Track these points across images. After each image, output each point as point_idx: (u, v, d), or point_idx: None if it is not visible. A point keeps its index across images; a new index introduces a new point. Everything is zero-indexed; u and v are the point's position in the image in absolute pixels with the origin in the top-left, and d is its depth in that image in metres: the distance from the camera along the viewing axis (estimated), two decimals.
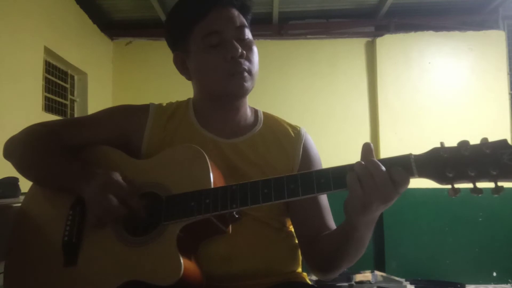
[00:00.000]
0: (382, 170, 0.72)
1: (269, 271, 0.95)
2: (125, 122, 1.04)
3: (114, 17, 4.39)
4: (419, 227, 4.14)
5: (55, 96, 3.56)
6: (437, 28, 4.40)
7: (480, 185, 0.70)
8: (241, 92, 0.98)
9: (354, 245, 0.85)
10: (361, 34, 4.52)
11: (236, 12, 0.99)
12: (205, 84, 1.01)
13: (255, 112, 1.10)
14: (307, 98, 4.40)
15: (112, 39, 4.50)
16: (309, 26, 4.53)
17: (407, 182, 0.73)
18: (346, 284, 3.50)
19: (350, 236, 0.83)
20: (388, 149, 4.15)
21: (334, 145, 4.12)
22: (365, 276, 3.62)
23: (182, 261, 0.78)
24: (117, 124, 1.04)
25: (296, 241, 1.02)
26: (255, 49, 1.00)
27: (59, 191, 0.96)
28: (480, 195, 0.69)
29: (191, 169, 0.87)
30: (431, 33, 4.39)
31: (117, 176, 0.87)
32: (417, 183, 0.78)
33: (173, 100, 1.11)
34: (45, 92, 3.34)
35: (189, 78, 1.05)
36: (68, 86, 3.79)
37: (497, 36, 4.35)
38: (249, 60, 0.97)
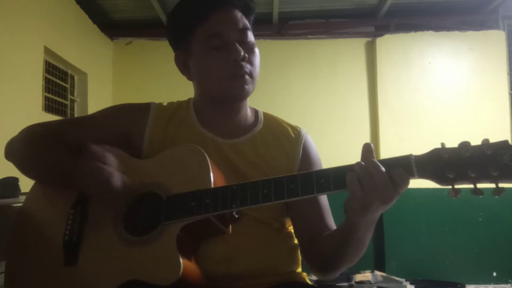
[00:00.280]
0: (382, 170, 0.72)
1: (269, 271, 0.95)
2: (125, 121, 1.03)
3: (114, 17, 4.39)
4: (419, 227, 4.14)
5: (55, 96, 3.56)
6: (437, 28, 4.40)
7: (481, 186, 0.70)
8: (242, 95, 0.98)
9: (354, 245, 0.85)
10: (361, 34, 4.52)
11: (239, 14, 0.98)
12: (206, 85, 1.01)
13: (255, 112, 1.10)
14: (307, 98, 4.40)
15: (112, 39, 4.50)
16: (309, 26, 4.53)
17: (407, 182, 0.73)
18: (346, 284, 3.50)
19: (350, 237, 0.83)
20: (388, 150, 4.15)
21: (334, 145, 4.12)
22: (365, 276, 3.62)
23: (181, 261, 0.78)
24: (117, 123, 1.03)
25: (296, 241, 1.02)
26: (257, 51, 1.00)
27: (60, 188, 0.96)
28: (480, 196, 0.68)
29: (192, 169, 0.88)
30: (431, 33, 4.39)
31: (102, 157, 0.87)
32: (417, 183, 0.78)
33: (174, 100, 1.11)
34: (45, 92, 3.34)
35: (190, 78, 1.05)
36: (68, 86, 3.79)
37: (497, 36, 4.35)
38: (251, 63, 0.97)
